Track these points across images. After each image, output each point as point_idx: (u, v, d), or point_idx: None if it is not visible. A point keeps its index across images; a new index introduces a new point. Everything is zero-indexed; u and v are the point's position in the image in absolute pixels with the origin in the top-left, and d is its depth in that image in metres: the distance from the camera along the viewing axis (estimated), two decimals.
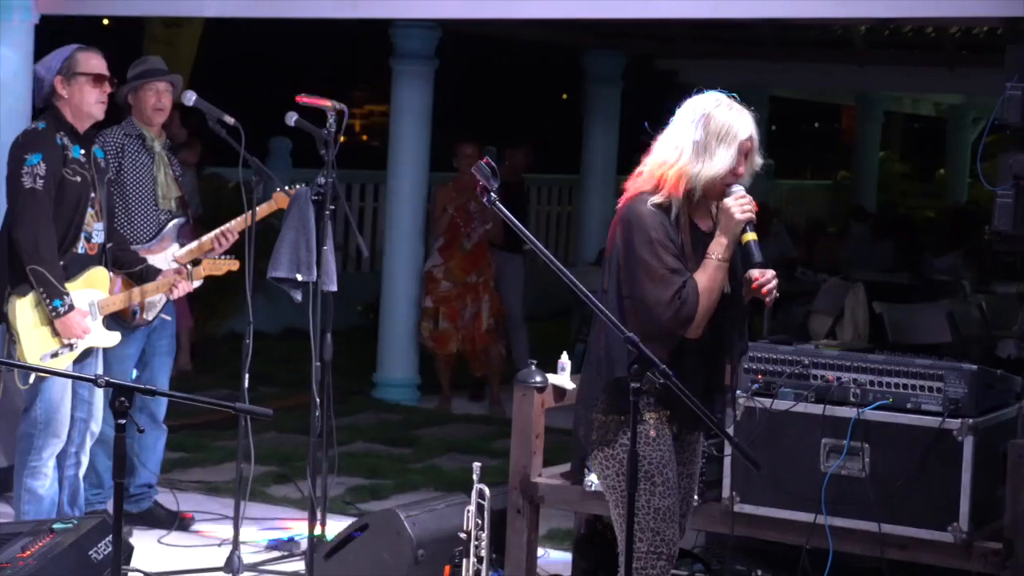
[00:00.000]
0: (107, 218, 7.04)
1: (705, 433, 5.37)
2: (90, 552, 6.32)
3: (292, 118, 6.83)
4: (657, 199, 5.03)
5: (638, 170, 5.15)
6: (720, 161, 4.99)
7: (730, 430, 5.43)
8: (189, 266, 7.43)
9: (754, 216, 5.03)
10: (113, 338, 7.12)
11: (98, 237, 6.98)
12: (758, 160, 5.12)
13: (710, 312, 5.02)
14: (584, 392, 5.25)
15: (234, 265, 7.48)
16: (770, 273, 5.12)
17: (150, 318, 7.58)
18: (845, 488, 5.95)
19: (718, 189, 5.03)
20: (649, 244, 4.98)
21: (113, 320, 7.26)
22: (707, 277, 5.00)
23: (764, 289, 5.09)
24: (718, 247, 5.02)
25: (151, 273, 7.32)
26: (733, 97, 5.10)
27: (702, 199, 5.07)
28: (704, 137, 5.00)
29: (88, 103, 6.89)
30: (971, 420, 5.79)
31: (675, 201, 5.03)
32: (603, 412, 5.12)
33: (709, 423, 4.90)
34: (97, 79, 6.91)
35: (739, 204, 5.00)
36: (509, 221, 4.80)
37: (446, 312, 11.67)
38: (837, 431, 5.97)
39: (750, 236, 5.01)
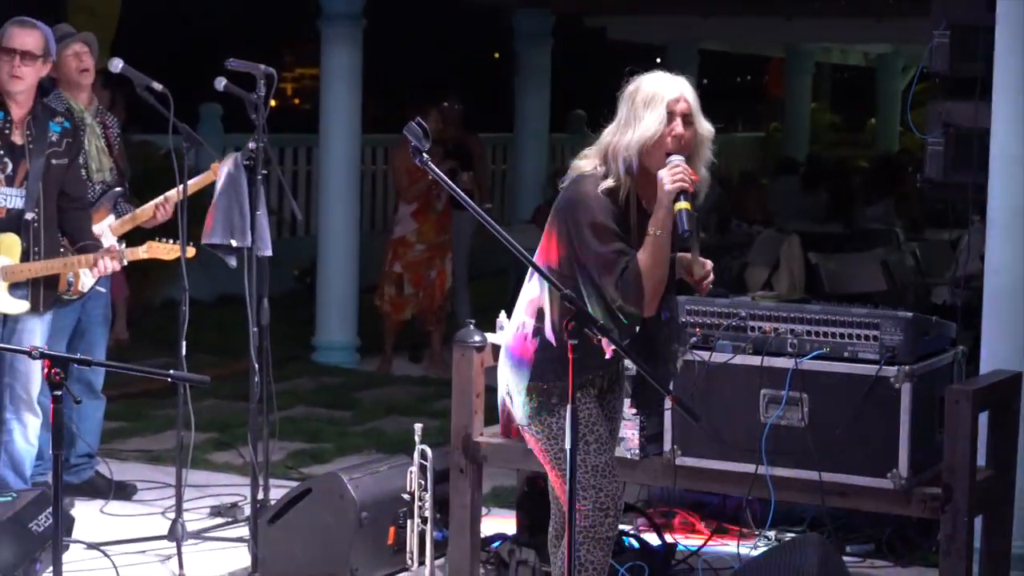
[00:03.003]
0: (39, 188, 6.92)
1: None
2: (30, 525, 6.30)
3: (221, 83, 6.78)
4: (607, 184, 5.01)
5: (583, 152, 5.14)
6: (647, 125, 4.96)
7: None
8: (123, 245, 7.31)
9: (688, 186, 4.93)
10: (18, 306, 6.94)
11: (9, 202, 6.87)
12: (705, 126, 5.06)
13: (661, 287, 5.00)
14: (516, 361, 5.22)
15: (177, 252, 7.20)
16: (709, 265, 5.16)
17: (84, 289, 7.46)
18: (785, 438, 5.98)
19: (656, 159, 4.98)
20: (591, 227, 4.97)
21: (48, 293, 7.09)
22: (648, 254, 4.95)
23: (704, 284, 5.14)
24: (655, 221, 4.97)
25: (92, 250, 7.17)
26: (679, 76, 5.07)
27: (653, 178, 5.00)
28: (632, 107, 5.01)
29: (3, 76, 6.87)
30: (907, 367, 5.82)
31: (623, 182, 5.01)
32: (549, 380, 5.13)
33: (648, 377, 4.90)
34: (8, 52, 6.86)
35: (671, 174, 4.92)
36: (442, 182, 4.78)
37: (411, 278, 11.52)
38: (775, 382, 5.99)
39: (681, 205, 4.92)
